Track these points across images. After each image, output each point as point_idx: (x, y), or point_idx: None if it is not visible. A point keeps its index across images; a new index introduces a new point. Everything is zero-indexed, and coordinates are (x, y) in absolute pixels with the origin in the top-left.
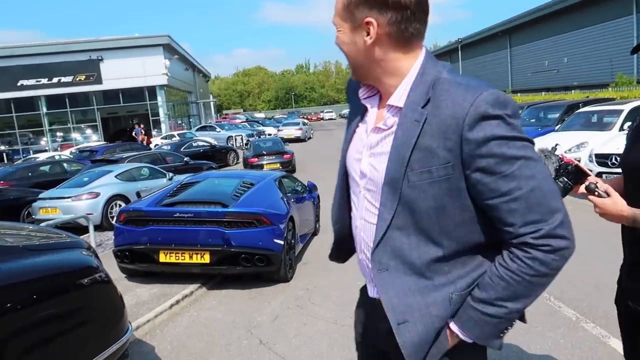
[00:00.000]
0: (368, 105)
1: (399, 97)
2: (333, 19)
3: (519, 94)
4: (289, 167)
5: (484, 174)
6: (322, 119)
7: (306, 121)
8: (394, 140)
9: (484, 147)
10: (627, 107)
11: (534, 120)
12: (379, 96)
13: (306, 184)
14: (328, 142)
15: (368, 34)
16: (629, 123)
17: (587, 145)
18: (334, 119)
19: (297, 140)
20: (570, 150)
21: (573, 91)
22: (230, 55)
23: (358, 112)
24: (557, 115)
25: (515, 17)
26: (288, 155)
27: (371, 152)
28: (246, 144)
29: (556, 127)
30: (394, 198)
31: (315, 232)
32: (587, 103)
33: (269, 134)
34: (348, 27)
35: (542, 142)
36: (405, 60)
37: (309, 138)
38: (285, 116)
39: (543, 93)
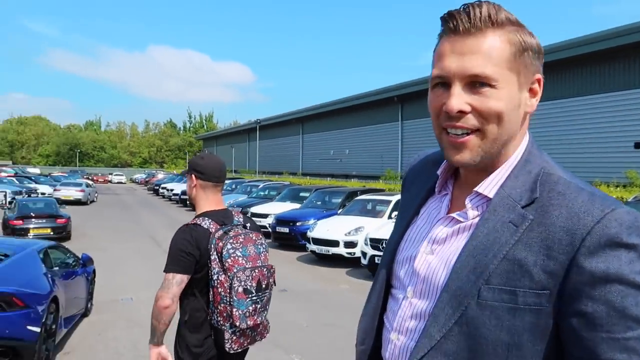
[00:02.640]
0: (442, 192)
1: (491, 186)
2: (480, 68)
3: (308, 177)
4: (62, 233)
5: (585, 323)
6: (110, 181)
7: (90, 182)
8: (472, 238)
9: (600, 286)
10: (393, 199)
11: (320, 202)
12: (452, 182)
13: (80, 256)
14: (114, 207)
15: (535, 95)
16: (395, 212)
17: (363, 229)
18: (124, 183)
19: (77, 202)
20: (349, 233)
21: (352, 179)
22: (3, 99)
23: (417, 199)
24: (339, 200)
25: (308, 108)
26: (63, 220)
27: (433, 247)
28: (10, 202)
29: (339, 211)
30: (453, 313)
31: (85, 313)
32: (364, 192)
33: (43, 193)
34: (514, 82)
35: (326, 224)
36: (517, 139)
37: (92, 201)
38: (66, 174)
39: (328, 178)
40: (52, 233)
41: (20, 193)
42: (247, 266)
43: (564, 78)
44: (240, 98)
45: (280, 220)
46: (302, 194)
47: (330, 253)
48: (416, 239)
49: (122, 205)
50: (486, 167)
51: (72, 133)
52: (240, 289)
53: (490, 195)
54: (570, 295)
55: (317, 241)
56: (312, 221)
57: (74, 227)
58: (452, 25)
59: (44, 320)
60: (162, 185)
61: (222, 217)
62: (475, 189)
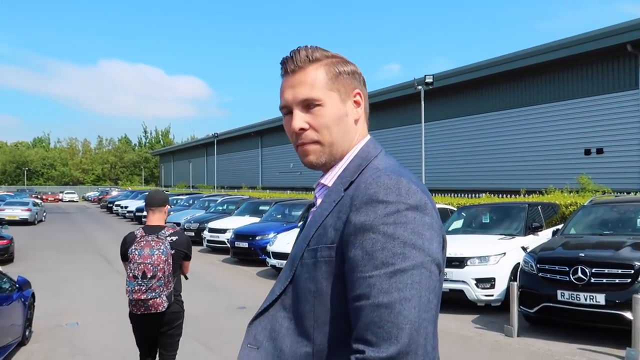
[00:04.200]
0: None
1: (330, 178)
2: (310, 92)
3: (267, 191)
4: (4, 255)
5: (349, 266)
6: (61, 200)
7: (38, 201)
8: (310, 216)
9: (359, 235)
10: None
11: (280, 216)
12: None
13: (16, 279)
14: (64, 226)
15: (358, 105)
16: None
17: None
18: (76, 201)
19: (23, 222)
20: None
21: (313, 192)
22: None
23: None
24: (300, 212)
25: (267, 121)
26: (4, 241)
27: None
28: None
29: (299, 224)
30: (289, 274)
31: (22, 342)
32: None
33: None
34: (337, 98)
35: (287, 237)
36: (354, 140)
37: (40, 221)
38: (12, 194)
39: (288, 191)
40: None
41: None
42: (138, 261)
43: (520, 88)
44: (198, 113)
45: (239, 234)
46: (261, 208)
47: None
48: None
49: (72, 224)
50: (332, 166)
51: (19, 150)
52: (131, 274)
53: (330, 185)
54: (343, 246)
55: (278, 255)
56: (272, 235)
57: (17, 248)
58: (284, 68)
59: None
60: (116, 203)
61: (149, 230)
62: (319, 181)
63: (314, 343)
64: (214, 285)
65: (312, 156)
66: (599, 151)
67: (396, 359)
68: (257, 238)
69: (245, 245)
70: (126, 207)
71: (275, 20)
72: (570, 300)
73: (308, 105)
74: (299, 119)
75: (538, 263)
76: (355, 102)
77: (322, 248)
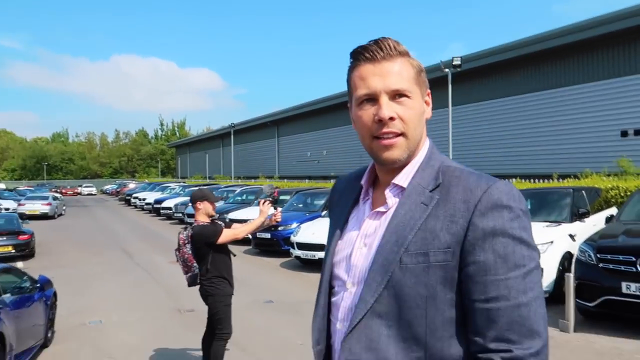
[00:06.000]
0: (364, 198)
1: (405, 178)
2: (399, 84)
3: (285, 180)
4: (25, 250)
5: (478, 269)
6: (79, 193)
7: (58, 195)
8: (393, 218)
9: (489, 239)
10: None
11: (301, 205)
12: (372, 190)
13: (37, 279)
14: (83, 220)
15: (428, 105)
16: None
17: None
18: (95, 194)
19: (44, 217)
20: None
21: (331, 180)
22: None
23: (345, 210)
24: (322, 201)
25: (283, 110)
26: (25, 236)
27: (365, 241)
28: None
29: (322, 213)
30: (382, 280)
31: (45, 343)
32: None
33: (7, 209)
34: (419, 94)
35: (311, 227)
36: (421, 142)
37: (60, 215)
38: (32, 188)
39: (306, 180)
40: (13, 251)
41: None
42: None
43: (551, 69)
44: (213, 105)
45: None
46: (281, 197)
47: (316, 258)
48: (349, 240)
49: (92, 218)
50: (401, 167)
51: (38, 146)
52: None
53: (404, 185)
54: (467, 250)
55: (302, 246)
56: (295, 225)
57: (38, 242)
58: (369, 55)
59: None
60: (134, 195)
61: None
62: (393, 181)
63: (426, 347)
64: (236, 278)
65: (398, 151)
66: (637, 132)
67: (541, 353)
68: (279, 228)
69: (267, 236)
70: (144, 200)
71: (285, 15)
72: (637, 292)
73: (397, 95)
74: (389, 108)
75: (598, 253)
76: (426, 102)
77: (435, 252)
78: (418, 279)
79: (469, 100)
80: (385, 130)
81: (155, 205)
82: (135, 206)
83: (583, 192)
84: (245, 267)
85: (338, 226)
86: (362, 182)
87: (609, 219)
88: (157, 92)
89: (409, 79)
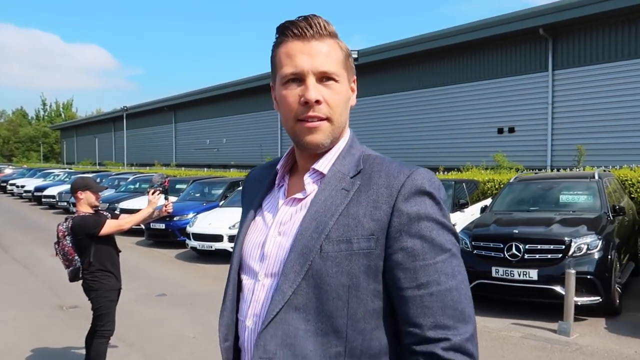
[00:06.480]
0: (279, 184)
1: (325, 164)
2: (327, 66)
3: (183, 168)
4: None
5: (407, 256)
6: None
7: None
8: (312, 204)
9: (415, 224)
10: None
11: (198, 195)
12: (288, 177)
13: None
14: None
15: (354, 92)
16: None
17: None
18: None
19: None
20: (234, 226)
21: (231, 169)
22: None
23: (258, 196)
24: (220, 191)
25: (181, 94)
26: None
27: (280, 229)
28: None
29: (220, 203)
30: (301, 269)
31: None
32: None
33: None
34: (347, 79)
35: (208, 218)
36: (344, 130)
37: None
38: None
39: (205, 169)
40: None
41: None
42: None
43: (436, 67)
44: (104, 85)
45: None
46: (178, 186)
47: (213, 249)
48: (261, 228)
49: None
50: (322, 154)
51: None
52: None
53: (325, 172)
54: (393, 236)
55: (198, 236)
56: (191, 215)
57: None
58: (298, 31)
59: None
60: (11, 182)
61: None
62: (313, 166)
63: (346, 341)
64: (128, 270)
65: (321, 135)
66: (511, 130)
67: (474, 336)
68: (175, 219)
69: (161, 226)
70: (22, 187)
71: None
72: (505, 276)
73: (324, 78)
74: (316, 90)
75: (473, 240)
76: (352, 88)
77: (359, 239)
78: (340, 268)
79: (360, 95)
80: (310, 114)
81: (36, 194)
82: (13, 194)
83: (463, 184)
84: (138, 259)
85: (249, 214)
86: (278, 167)
87: (483, 209)
88: (38, 66)
89: (338, 62)
